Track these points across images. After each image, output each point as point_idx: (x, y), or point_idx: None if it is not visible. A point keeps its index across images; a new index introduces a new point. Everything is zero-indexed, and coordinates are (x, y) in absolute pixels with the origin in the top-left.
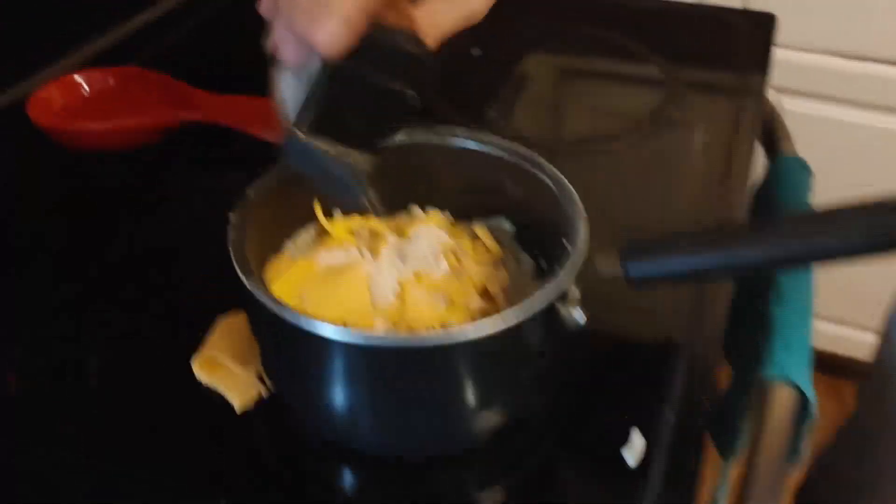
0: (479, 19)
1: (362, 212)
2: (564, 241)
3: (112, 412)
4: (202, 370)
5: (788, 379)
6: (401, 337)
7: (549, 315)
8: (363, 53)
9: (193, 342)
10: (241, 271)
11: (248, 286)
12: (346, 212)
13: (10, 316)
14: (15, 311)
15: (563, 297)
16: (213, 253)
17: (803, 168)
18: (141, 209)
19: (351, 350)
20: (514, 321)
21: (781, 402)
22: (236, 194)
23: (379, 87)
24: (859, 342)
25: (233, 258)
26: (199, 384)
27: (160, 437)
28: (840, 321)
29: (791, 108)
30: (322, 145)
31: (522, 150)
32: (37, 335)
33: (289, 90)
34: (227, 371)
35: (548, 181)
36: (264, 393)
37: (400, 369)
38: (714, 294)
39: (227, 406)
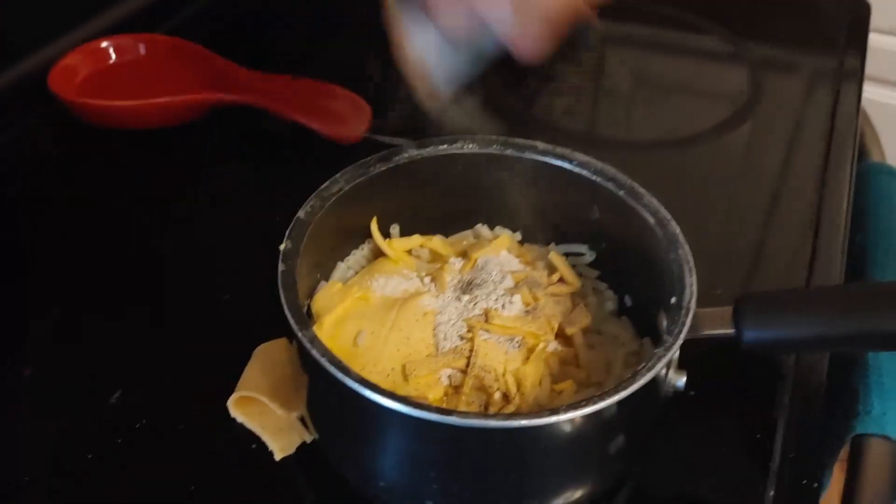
0: None
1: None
2: (659, 284)
3: (133, 450)
4: (239, 410)
5: (886, 434)
6: (471, 417)
7: (651, 385)
8: None
9: (230, 372)
10: (295, 321)
11: (304, 342)
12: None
13: (21, 329)
14: (30, 327)
15: (668, 363)
16: (251, 265)
17: (893, 177)
18: (170, 208)
19: (414, 424)
20: (611, 401)
21: (879, 457)
22: (273, 191)
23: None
24: None
25: (284, 303)
26: (230, 426)
27: (190, 483)
28: None
29: (878, 99)
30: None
31: (616, 173)
32: (58, 363)
33: (429, 46)
34: (266, 412)
35: (646, 214)
36: (307, 439)
37: (474, 448)
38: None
39: (264, 449)
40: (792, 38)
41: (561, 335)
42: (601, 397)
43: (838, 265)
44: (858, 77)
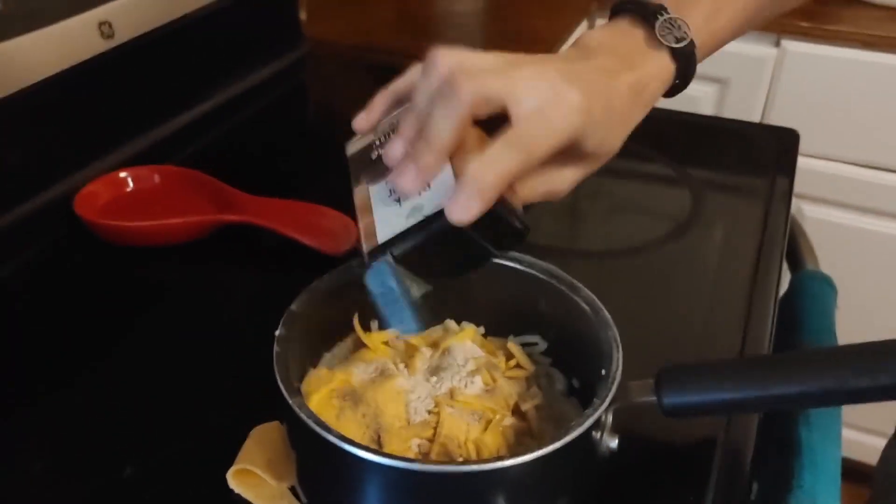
0: (560, 198)
1: (409, 333)
2: (598, 364)
3: None
4: (236, 481)
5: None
6: (438, 465)
7: (584, 442)
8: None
9: (229, 449)
10: (286, 391)
11: (293, 406)
12: (393, 330)
13: (35, 412)
14: (40, 408)
15: (598, 424)
16: (250, 358)
17: (827, 283)
18: (179, 311)
19: (388, 473)
20: (550, 451)
21: None
22: (271, 297)
23: (474, 244)
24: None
25: (277, 377)
26: (228, 496)
27: None
28: (859, 428)
29: (811, 215)
30: (402, 272)
31: (558, 271)
32: (67, 439)
33: (380, 202)
34: (260, 482)
35: (583, 304)
36: None
37: (436, 494)
38: (744, 417)
39: None
40: (728, 163)
41: (517, 412)
42: (538, 449)
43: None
44: (787, 196)
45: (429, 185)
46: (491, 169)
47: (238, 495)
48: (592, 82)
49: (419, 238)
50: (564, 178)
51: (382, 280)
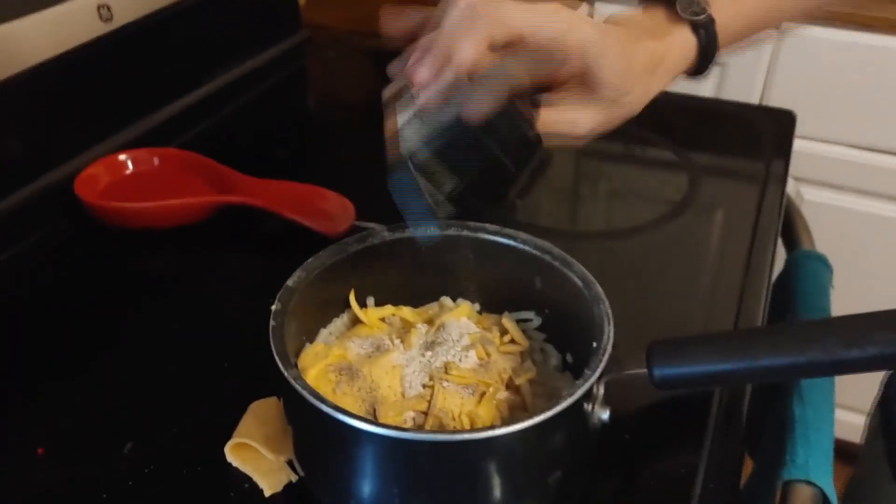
0: (579, 141)
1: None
2: (591, 339)
3: (143, 491)
4: (234, 455)
5: (810, 480)
6: (431, 433)
7: (575, 413)
8: (490, 122)
9: (227, 425)
10: (282, 363)
11: (289, 378)
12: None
13: (40, 394)
14: (40, 383)
15: (589, 396)
16: (249, 338)
17: (822, 263)
18: (180, 292)
19: (383, 442)
20: (540, 420)
21: (804, 501)
22: (272, 279)
23: (488, 151)
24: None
25: (273, 350)
26: (227, 470)
27: None
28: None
29: (809, 197)
30: (422, 179)
31: (552, 247)
32: (68, 414)
33: (406, 124)
34: (258, 456)
35: (576, 279)
36: (293, 478)
37: (428, 464)
38: (737, 390)
39: (255, 488)
40: (725, 145)
41: (511, 387)
42: (529, 420)
43: None
44: (783, 177)
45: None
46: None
47: (236, 469)
48: (610, 34)
49: (439, 146)
50: (585, 119)
51: (402, 185)
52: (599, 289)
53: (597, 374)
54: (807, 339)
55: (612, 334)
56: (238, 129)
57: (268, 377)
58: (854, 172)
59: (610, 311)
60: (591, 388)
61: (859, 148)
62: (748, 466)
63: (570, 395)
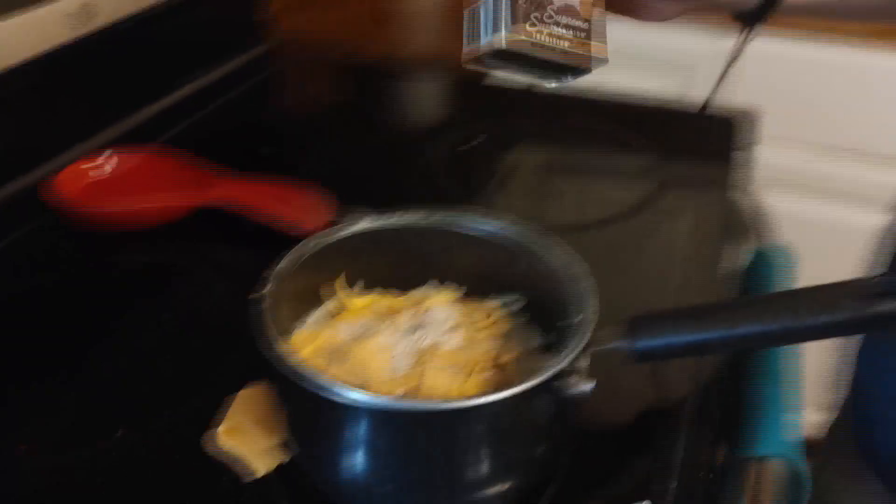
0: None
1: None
2: (572, 316)
3: (133, 480)
4: (227, 437)
5: (780, 455)
6: (417, 402)
7: (557, 384)
8: None
9: (216, 413)
10: (270, 338)
11: (280, 355)
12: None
13: (25, 386)
14: (29, 382)
15: (570, 367)
16: (234, 326)
17: (785, 254)
18: (165, 286)
19: (371, 413)
20: (522, 389)
21: (775, 477)
22: (254, 274)
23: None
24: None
25: (263, 331)
26: (217, 453)
27: (186, 500)
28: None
29: (773, 202)
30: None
31: (535, 229)
32: (55, 406)
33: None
34: (249, 440)
35: (559, 259)
36: (284, 460)
37: (415, 433)
38: (712, 371)
39: (245, 474)
40: (691, 147)
41: (497, 366)
42: (510, 389)
43: None
44: (747, 177)
45: None
46: None
47: (223, 454)
48: None
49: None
50: None
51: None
52: (581, 266)
53: (579, 346)
54: (778, 308)
55: (594, 308)
56: (217, 128)
57: (258, 363)
58: (816, 175)
59: (594, 285)
60: (572, 361)
61: (822, 152)
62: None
63: (553, 366)
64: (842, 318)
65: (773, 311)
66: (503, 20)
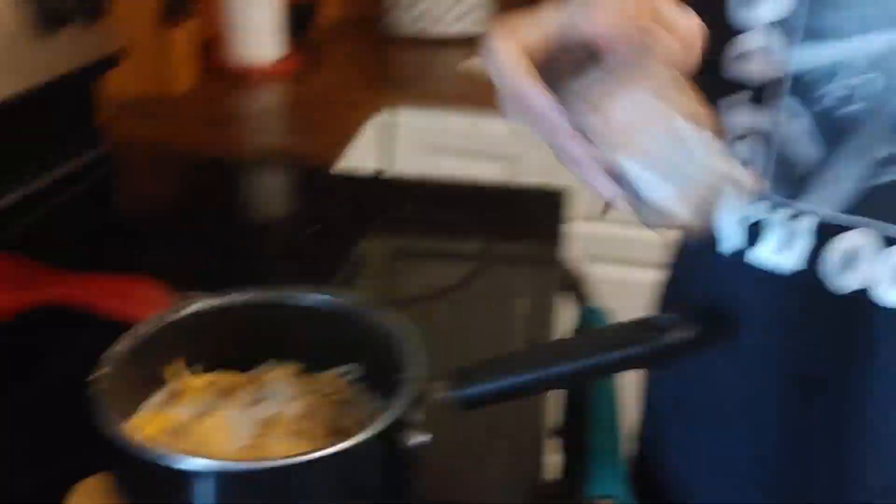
0: None
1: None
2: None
3: None
4: None
5: (611, 495)
6: (254, 462)
7: (392, 438)
8: None
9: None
10: (107, 420)
11: (116, 431)
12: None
13: None
14: None
15: (402, 420)
16: (59, 428)
17: (602, 313)
18: None
19: (213, 479)
20: (354, 442)
21: None
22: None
23: None
24: None
25: (97, 411)
26: None
27: None
28: None
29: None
30: None
31: (362, 301)
32: None
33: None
34: None
35: (388, 323)
36: None
37: (247, 495)
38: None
39: None
40: (516, 222)
41: (339, 431)
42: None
43: None
44: (565, 248)
45: None
46: None
47: None
48: None
49: None
50: None
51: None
52: (407, 329)
53: (405, 403)
54: (582, 346)
55: (419, 368)
56: (55, 228)
57: (92, 459)
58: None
59: (417, 348)
60: (402, 414)
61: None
62: None
63: (381, 422)
64: (636, 353)
65: (577, 349)
66: (717, 153)
